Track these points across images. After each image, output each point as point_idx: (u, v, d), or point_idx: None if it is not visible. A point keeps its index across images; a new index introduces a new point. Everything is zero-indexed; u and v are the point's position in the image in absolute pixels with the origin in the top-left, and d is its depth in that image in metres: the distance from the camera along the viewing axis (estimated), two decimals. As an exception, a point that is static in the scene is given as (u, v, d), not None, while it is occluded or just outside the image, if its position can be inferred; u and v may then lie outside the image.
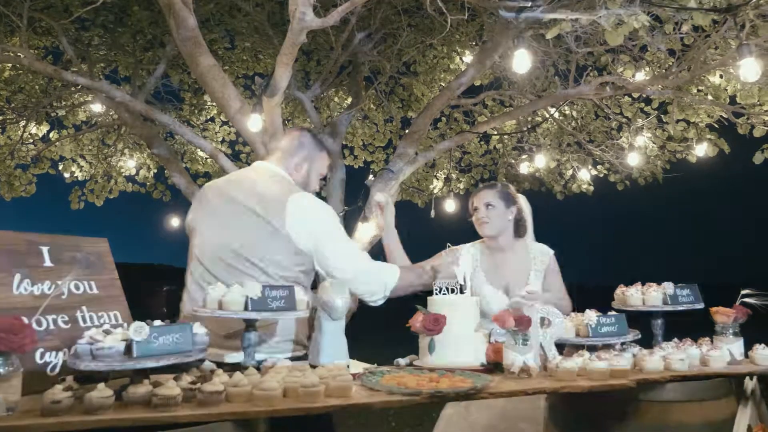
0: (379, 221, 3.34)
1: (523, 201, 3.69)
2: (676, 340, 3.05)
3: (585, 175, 6.85)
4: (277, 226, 2.68)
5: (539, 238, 3.76)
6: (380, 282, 2.81)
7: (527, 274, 3.52)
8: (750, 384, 3.09)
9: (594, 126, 6.39)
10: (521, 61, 3.58)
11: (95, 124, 7.16)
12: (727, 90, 4.89)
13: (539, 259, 3.56)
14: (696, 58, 3.93)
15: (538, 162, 6.60)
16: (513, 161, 7.12)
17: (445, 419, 3.55)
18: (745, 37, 3.15)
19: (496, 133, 6.87)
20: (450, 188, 7.23)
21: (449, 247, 3.06)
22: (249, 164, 5.77)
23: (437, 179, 7.61)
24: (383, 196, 3.30)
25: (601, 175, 6.91)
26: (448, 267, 2.99)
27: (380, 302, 2.87)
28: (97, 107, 6.72)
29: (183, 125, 6.97)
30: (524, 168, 6.94)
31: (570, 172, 6.94)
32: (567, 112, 6.55)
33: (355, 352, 2.79)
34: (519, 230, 3.60)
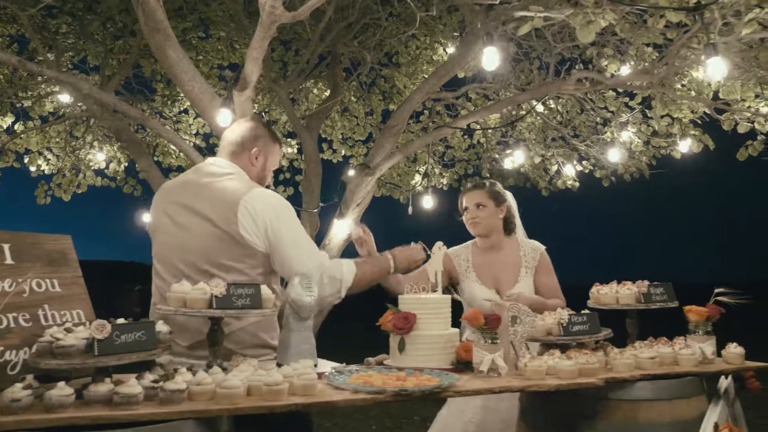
0: (362, 252, 3.26)
1: (510, 198, 3.85)
2: (651, 338, 3.18)
3: (570, 171, 6.98)
4: (229, 230, 2.71)
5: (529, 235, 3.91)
6: (336, 279, 2.83)
7: (517, 271, 3.67)
8: (724, 383, 3.21)
9: (579, 120, 6.51)
10: (490, 59, 3.70)
11: (63, 115, 7.16)
12: (711, 85, 5.02)
13: (530, 255, 3.71)
14: (675, 52, 4.05)
15: (518, 157, 6.72)
16: (497, 156, 7.23)
17: (441, 420, 3.70)
18: (717, 35, 3.28)
19: (479, 128, 6.98)
20: (428, 184, 7.32)
21: (418, 242, 3.15)
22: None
23: (420, 174, 7.70)
24: (358, 230, 3.26)
25: (587, 171, 7.03)
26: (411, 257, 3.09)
27: (336, 301, 2.90)
28: (65, 98, 6.73)
29: (154, 118, 7.02)
30: (509, 163, 7.04)
31: (555, 167, 7.06)
32: (552, 106, 6.66)
33: (331, 351, 2.88)
34: (508, 228, 3.76)
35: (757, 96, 4.77)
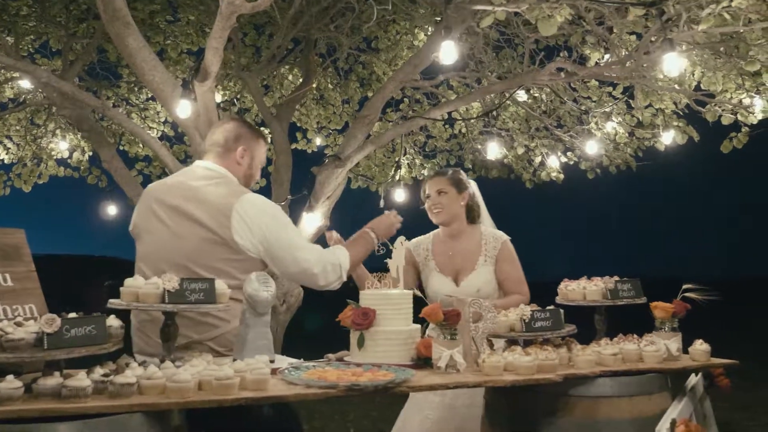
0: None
1: (474, 187, 4.04)
2: (620, 335, 3.34)
3: (554, 162, 7.12)
4: (222, 234, 2.95)
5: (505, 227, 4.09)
6: (336, 265, 3.11)
7: (476, 259, 3.86)
8: (693, 380, 3.38)
9: (563, 110, 6.65)
10: (448, 53, 3.85)
11: (23, 102, 7.24)
12: (694, 74, 5.18)
13: (491, 244, 3.88)
14: (646, 44, 4.20)
15: (491, 149, 6.86)
16: (479, 146, 7.35)
17: (402, 416, 3.92)
18: (689, 27, 3.44)
19: (460, 118, 7.10)
20: (409, 175, 7.45)
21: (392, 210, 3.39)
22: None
23: (401, 166, 7.81)
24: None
25: (571, 163, 7.17)
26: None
27: (339, 285, 3.17)
28: (25, 84, 6.81)
29: (120, 105, 7.12)
30: (491, 154, 7.15)
31: (539, 158, 7.19)
32: (536, 95, 6.79)
33: (298, 348, 3.05)
34: (471, 216, 3.96)
35: (738, 87, 4.94)
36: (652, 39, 4.03)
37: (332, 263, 3.10)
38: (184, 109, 4.07)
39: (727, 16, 3.19)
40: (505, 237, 3.94)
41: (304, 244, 3.13)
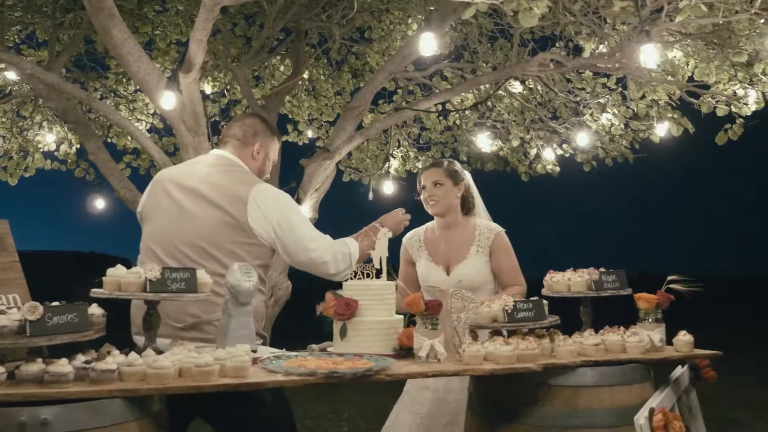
0: None
1: (468, 177, 4.19)
2: (607, 327, 3.46)
3: (550, 155, 7.21)
4: (238, 218, 3.14)
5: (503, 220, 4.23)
6: (346, 255, 3.32)
7: (467, 249, 4.00)
8: (678, 371, 3.50)
9: (559, 102, 6.73)
10: (427, 44, 3.97)
11: (9, 93, 7.31)
12: (688, 66, 5.28)
13: (484, 235, 4.03)
14: (629, 36, 4.29)
15: (486, 142, 6.95)
16: (473, 139, 7.42)
17: (394, 412, 4.10)
18: (664, 19, 3.55)
19: (453, 109, 7.19)
20: (395, 169, 7.54)
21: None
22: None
23: (394, 158, 7.89)
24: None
25: (567, 155, 7.25)
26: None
27: (349, 274, 3.34)
28: (11, 75, 6.89)
29: (108, 97, 7.21)
30: (486, 146, 7.22)
31: (534, 151, 7.28)
32: (531, 86, 6.88)
33: (287, 340, 3.18)
34: (466, 207, 4.10)
35: (731, 78, 5.03)
36: (646, 29, 4.13)
37: (342, 252, 3.30)
38: (168, 100, 4.20)
39: (704, 8, 3.28)
40: (499, 228, 4.07)
41: (314, 233, 3.31)
